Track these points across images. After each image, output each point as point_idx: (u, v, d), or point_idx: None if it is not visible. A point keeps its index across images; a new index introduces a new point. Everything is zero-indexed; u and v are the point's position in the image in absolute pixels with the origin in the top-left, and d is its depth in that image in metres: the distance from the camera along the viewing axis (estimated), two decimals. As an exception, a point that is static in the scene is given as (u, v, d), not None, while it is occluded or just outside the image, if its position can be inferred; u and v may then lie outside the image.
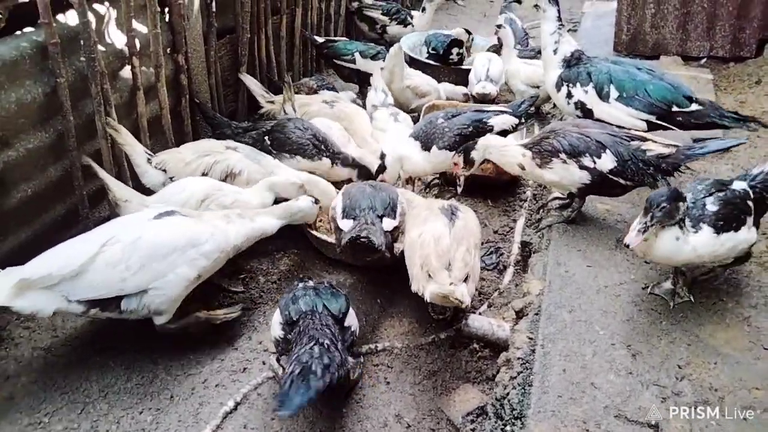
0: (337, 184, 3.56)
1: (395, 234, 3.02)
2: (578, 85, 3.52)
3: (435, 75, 5.10)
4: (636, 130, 3.20)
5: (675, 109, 3.25)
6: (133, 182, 3.33)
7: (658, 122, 3.31)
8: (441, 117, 3.67)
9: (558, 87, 3.62)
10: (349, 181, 3.73)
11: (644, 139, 2.96)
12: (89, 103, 3.06)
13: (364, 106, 4.46)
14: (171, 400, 2.52)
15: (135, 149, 3.21)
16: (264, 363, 2.73)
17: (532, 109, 4.93)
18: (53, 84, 2.85)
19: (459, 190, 3.43)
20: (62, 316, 2.83)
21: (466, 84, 4.99)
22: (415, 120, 4.30)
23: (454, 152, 3.51)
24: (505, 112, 3.76)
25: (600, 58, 3.63)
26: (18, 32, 2.88)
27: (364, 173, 3.71)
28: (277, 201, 3.17)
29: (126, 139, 3.17)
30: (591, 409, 2.08)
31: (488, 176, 4.07)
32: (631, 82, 3.37)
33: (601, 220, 3.23)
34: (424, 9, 6.28)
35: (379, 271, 3.34)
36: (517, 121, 3.74)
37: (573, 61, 3.61)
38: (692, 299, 2.59)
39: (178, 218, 2.57)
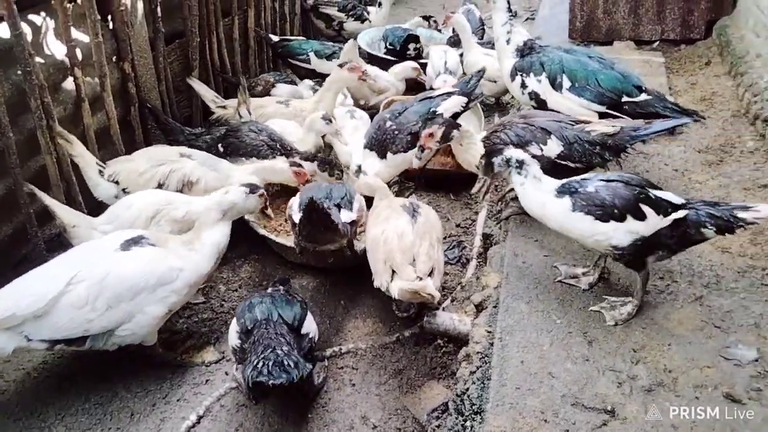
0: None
1: (354, 228, 3.00)
2: (532, 74, 3.54)
3: (393, 70, 5.07)
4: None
5: (624, 99, 3.31)
6: (83, 197, 3.24)
7: (608, 111, 3.35)
8: (388, 118, 3.64)
9: (512, 76, 3.64)
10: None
11: (588, 122, 3.02)
12: (30, 117, 2.97)
13: None
14: (131, 418, 2.48)
15: (87, 161, 3.11)
16: (227, 374, 2.70)
17: (492, 99, 4.98)
18: (-12, 100, 2.76)
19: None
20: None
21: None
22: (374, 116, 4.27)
23: (412, 150, 3.51)
24: (453, 93, 3.72)
25: (552, 47, 3.65)
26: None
27: (325, 162, 3.67)
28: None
29: (78, 150, 3.08)
30: (548, 398, 2.10)
31: (449, 170, 4.08)
32: (582, 72, 3.40)
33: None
34: (380, 4, 6.24)
35: (341, 273, 3.33)
36: (466, 99, 3.71)
37: (526, 50, 3.62)
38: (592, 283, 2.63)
39: (146, 250, 2.43)
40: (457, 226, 3.85)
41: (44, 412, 2.45)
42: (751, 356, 2.24)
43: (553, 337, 2.37)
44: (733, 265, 2.70)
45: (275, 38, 5.21)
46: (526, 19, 7.64)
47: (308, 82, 4.71)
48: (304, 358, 2.36)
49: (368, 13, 6.11)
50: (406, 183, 4.11)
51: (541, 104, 3.54)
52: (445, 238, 3.73)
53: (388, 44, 5.65)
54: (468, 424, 2.14)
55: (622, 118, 3.31)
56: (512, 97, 4.90)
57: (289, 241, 3.22)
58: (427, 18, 5.77)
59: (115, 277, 2.33)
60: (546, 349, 2.31)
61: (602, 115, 3.37)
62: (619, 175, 2.46)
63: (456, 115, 3.71)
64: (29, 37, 2.96)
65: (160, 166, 3.17)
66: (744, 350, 2.26)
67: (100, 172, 3.13)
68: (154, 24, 3.91)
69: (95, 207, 3.24)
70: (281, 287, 2.74)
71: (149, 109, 3.83)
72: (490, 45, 5.01)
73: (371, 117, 4.24)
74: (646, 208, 2.33)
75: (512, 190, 3.55)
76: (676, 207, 2.36)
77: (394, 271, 2.67)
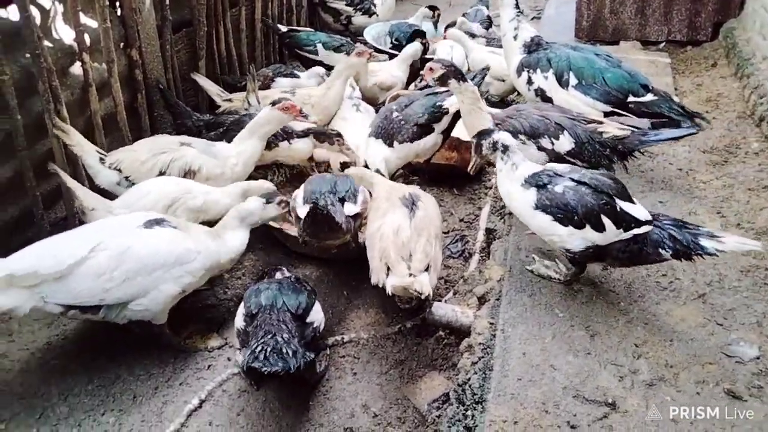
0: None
1: (358, 221, 3.00)
2: (539, 71, 3.54)
3: (399, 65, 5.08)
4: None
5: (631, 98, 3.31)
6: (89, 180, 3.25)
7: (612, 111, 3.37)
8: (395, 109, 3.65)
9: (519, 72, 3.65)
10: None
11: (600, 123, 3.02)
12: (38, 101, 2.97)
13: None
14: (134, 400, 2.49)
15: (85, 150, 3.09)
16: (229, 359, 2.71)
17: (496, 97, 4.99)
18: (-3, 82, 2.76)
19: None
20: (19, 321, 2.76)
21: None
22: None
23: (418, 140, 3.53)
24: None
25: (559, 44, 3.66)
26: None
27: (322, 135, 3.65)
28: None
29: (75, 139, 3.06)
30: (550, 390, 2.11)
31: (453, 165, 4.08)
32: (589, 70, 3.40)
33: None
34: None
35: (344, 264, 3.33)
36: None
37: (533, 46, 3.63)
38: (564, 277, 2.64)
39: (168, 231, 2.48)
40: (461, 220, 3.86)
41: (48, 392, 2.46)
42: (752, 354, 2.25)
43: (555, 330, 2.38)
44: (736, 264, 2.71)
45: (283, 28, 5.21)
46: (533, 18, 7.64)
47: (318, 69, 4.67)
48: (306, 347, 2.37)
49: (375, 6, 6.11)
50: (410, 177, 4.12)
51: (546, 101, 3.54)
52: (448, 232, 3.74)
53: (394, 39, 5.65)
54: (469, 413, 2.15)
55: (628, 116, 3.32)
56: (518, 95, 4.92)
57: (292, 230, 3.22)
58: (433, 8, 5.77)
59: (135, 250, 2.37)
60: (548, 342, 2.32)
61: (607, 114, 3.39)
62: (592, 176, 2.41)
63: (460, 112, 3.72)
64: (38, 21, 2.96)
65: (162, 155, 3.17)
66: (746, 348, 2.27)
67: (101, 159, 3.12)
68: (162, 12, 3.92)
69: (100, 192, 3.24)
70: (277, 274, 2.76)
71: (160, 90, 3.83)
72: (498, 44, 5.04)
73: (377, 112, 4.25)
74: (606, 221, 2.31)
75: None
76: (640, 223, 2.32)
77: (389, 268, 2.67)
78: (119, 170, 3.10)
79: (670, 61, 4.99)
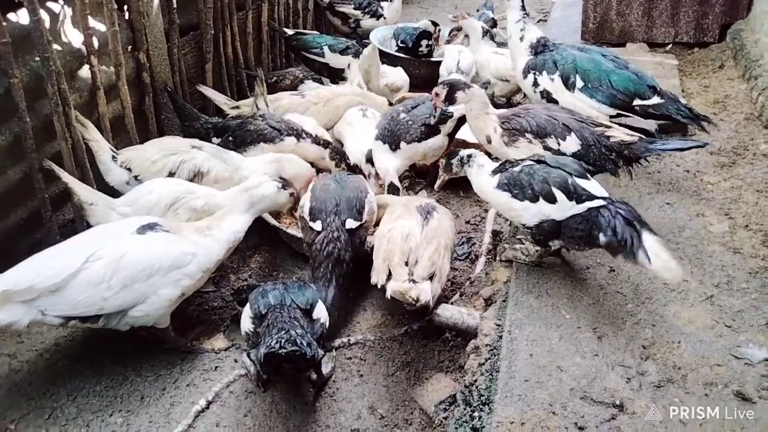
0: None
1: (361, 232, 3.02)
2: (545, 73, 3.53)
3: (405, 67, 5.09)
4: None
5: (636, 102, 3.29)
6: (97, 183, 3.27)
7: (620, 113, 3.36)
8: (401, 111, 3.66)
9: (525, 74, 3.64)
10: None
11: (608, 126, 3.01)
12: (47, 103, 3.00)
13: None
14: (141, 401, 2.50)
15: (101, 146, 3.13)
16: (236, 361, 2.72)
17: (503, 99, 4.98)
18: (7, 85, 2.78)
19: (438, 185, 3.31)
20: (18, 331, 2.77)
21: (437, 76, 4.99)
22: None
23: (425, 140, 3.55)
24: None
25: (566, 45, 3.65)
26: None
27: (337, 152, 3.68)
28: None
29: (93, 134, 3.10)
30: (557, 391, 2.11)
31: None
32: (596, 72, 3.39)
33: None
34: None
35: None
36: None
37: (539, 47, 3.63)
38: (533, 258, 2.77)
39: (161, 235, 2.48)
40: (467, 222, 3.86)
41: (56, 392, 2.48)
42: (761, 356, 2.23)
43: (562, 332, 2.37)
44: (744, 265, 2.69)
45: (290, 32, 5.23)
46: (539, 21, 7.64)
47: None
48: (316, 342, 2.38)
49: (383, 9, 6.12)
50: (416, 179, 4.12)
51: (551, 103, 3.54)
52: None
53: (399, 42, 5.65)
54: (476, 414, 2.14)
55: (632, 116, 3.31)
56: (524, 96, 4.91)
57: (299, 232, 3.23)
58: (435, 24, 5.76)
59: (130, 257, 2.36)
60: (555, 343, 2.32)
61: (613, 117, 3.37)
62: (553, 157, 2.65)
63: (464, 118, 3.72)
64: (47, 24, 2.98)
65: (172, 156, 3.20)
66: (755, 350, 2.26)
67: (114, 157, 3.16)
68: (169, 15, 3.94)
69: (108, 193, 3.26)
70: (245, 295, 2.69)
71: (168, 92, 3.85)
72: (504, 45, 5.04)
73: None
74: (558, 193, 2.49)
75: None
76: (593, 197, 2.46)
77: (390, 271, 2.68)
78: (129, 169, 3.12)
79: (677, 63, 4.97)
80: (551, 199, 2.50)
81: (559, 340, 2.32)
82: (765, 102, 3.92)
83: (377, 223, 3.11)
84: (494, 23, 5.95)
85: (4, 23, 2.69)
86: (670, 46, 5.38)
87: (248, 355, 2.56)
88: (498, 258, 2.85)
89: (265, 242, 3.51)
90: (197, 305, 3.02)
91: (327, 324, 2.60)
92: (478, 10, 6.29)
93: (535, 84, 3.58)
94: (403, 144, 3.57)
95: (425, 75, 5.13)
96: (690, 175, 3.45)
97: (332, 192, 3.06)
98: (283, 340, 2.23)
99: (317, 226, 2.94)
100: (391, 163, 3.58)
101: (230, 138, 3.60)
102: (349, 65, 4.72)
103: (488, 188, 2.72)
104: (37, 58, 2.91)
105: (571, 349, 2.29)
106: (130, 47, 3.64)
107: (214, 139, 3.66)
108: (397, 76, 4.84)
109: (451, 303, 3.08)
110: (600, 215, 2.41)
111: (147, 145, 3.32)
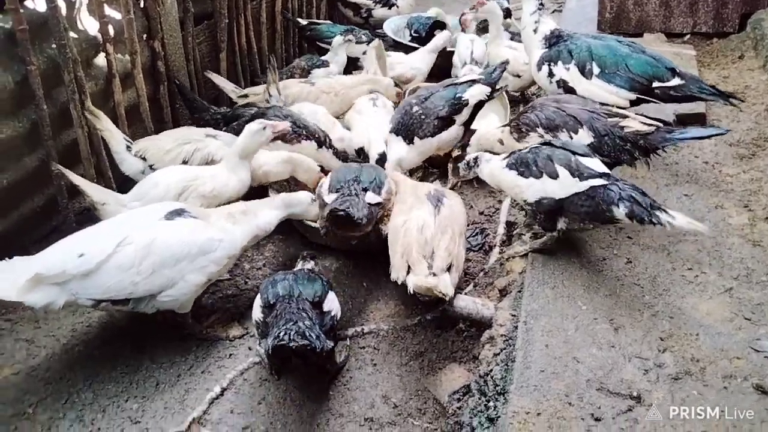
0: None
1: (379, 211, 2.99)
2: (560, 63, 3.49)
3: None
4: (617, 107, 3.20)
5: (656, 84, 3.24)
6: (112, 171, 3.29)
7: (640, 98, 3.30)
8: (414, 103, 3.62)
9: (539, 66, 3.60)
10: None
11: (624, 117, 2.95)
12: (63, 91, 3.01)
13: None
14: (156, 387, 2.51)
15: (114, 136, 3.14)
16: (250, 348, 2.72)
17: (516, 94, 4.93)
18: (24, 72, 2.79)
19: (448, 185, 3.43)
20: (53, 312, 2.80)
21: (450, 66, 4.95)
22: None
23: (439, 134, 3.52)
24: (477, 81, 3.67)
25: (580, 34, 3.60)
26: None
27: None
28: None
29: (105, 125, 3.11)
30: (573, 382, 2.09)
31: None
32: (612, 57, 3.34)
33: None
34: None
35: (364, 255, 3.33)
36: (490, 89, 3.66)
37: (553, 39, 3.58)
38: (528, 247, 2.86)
39: (189, 221, 2.51)
40: (481, 213, 3.83)
41: (73, 378, 2.50)
42: (781, 349, 2.20)
43: (578, 323, 2.35)
44: (764, 258, 2.66)
45: (303, 22, 5.21)
46: (553, 11, 7.54)
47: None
48: (325, 335, 2.38)
49: (396, -1, 6.09)
50: (430, 169, 4.10)
51: (569, 92, 3.49)
52: (468, 225, 3.71)
53: (413, 32, 5.61)
54: (491, 404, 2.13)
55: (654, 102, 3.26)
56: (538, 88, 4.85)
57: (313, 222, 3.23)
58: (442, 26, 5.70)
59: (160, 243, 2.39)
60: (571, 334, 2.30)
61: (633, 102, 3.33)
62: (562, 141, 2.76)
63: (480, 104, 3.69)
64: (64, 12, 2.99)
65: (186, 145, 3.21)
66: (775, 343, 2.23)
67: (128, 147, 3.17)
68: (184, 4, 3.94)
69: (124, 181, 3.29)
70: (310, 261, 2.81)
71: (177, 85, 3.86)
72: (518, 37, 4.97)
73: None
74: (561, 169, 2.55)
75: None
76: (596, 175, 2.50)
77: (410, 267, 2.65)
78: (144, 159, 3.13)
79: (695, 53, 4.88)
80: (554, 176, 2.56)
81: (575, 331, 2.31)
82: (786, 93, 3.85)
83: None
84: (509, 13, 5.88)
85: (21, 10, 2.69)
86: (688, 36, 5.29)
87: (260, 344, 2.58)
88: (505, 259, 2.98)
89: (278, 231, 3.50)
90: (212, 293, 3.03)
91: (338, 315, 2.60)
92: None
93: (551, 75, 3.53)
94: (416, 139, 3.54)
95: (439, 65, 5.08)
96: (708, 166, 3.40)
97: (353, 168, 3.09)
98: (292, 332, 2.24)
99: (332, 198, 2.91)
100: (398, 153, 3.56)
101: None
102: (364, 53, 4.68)
103: (497, 169, 2.82)
104: (54, 46, 2.92)
105: (588, 340, 2.27)
106: (145, 36, 3.65)
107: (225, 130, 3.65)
108: (407, 67, 4.80)
109: (465, 293, 3.06)
110: (608, 190, 2.45)
111: (162, 135, 3.32)
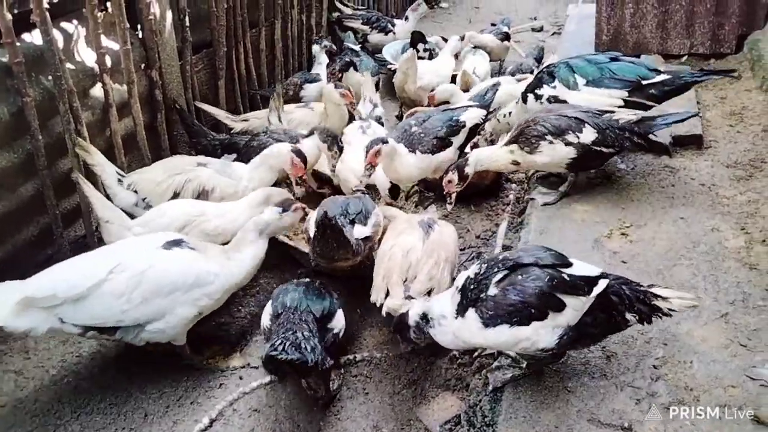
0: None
1: (368, 244, 2.99)
2: (544, 86, 3.65)
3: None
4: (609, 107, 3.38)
5: (645, 82, 3.37)
6: (107, 201, 3.30)
7: (632, 99, 3.39)
8: (413, 124, 3.66)
9: (524, 99, 3.77)
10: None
11: (612, 112, 3.24)
12: (59, 121, 3.05)
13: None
14: (145, 419, 2.48)
15: (106, 170, 3.14)
16: (241, 378, 2.70)
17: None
18: (20, 104, 2.84)
19: (449, 207, 3.51)
20: (35, 338, 2.80)
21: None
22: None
23: (438, 153, 3.54)
24: (472, 105, 3.79)
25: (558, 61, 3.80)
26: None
27: (325, 134, 3.63)
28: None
29: (96, 159, 3.11)
30: (563, 413, 2.05)
31: (471, 181, 4.04)
32: (592, 67, 3.52)
33: (580, 221, 3.21)
34: (407, 18, 6.33)
35: (358, 282, 3.31)
36: (485, 112, 3.79)
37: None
38: None
39: (186, 252, 2.50)
40: (477, 237, 3.81)
41: (60, 410, 2.48)
42: (778, 377, 2.15)
43: (569, 352, 2.31)
44: (761, 282, 2.61)
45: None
46: (553, 34, 7.62)
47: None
48: (326, 351, 2.37)
49: (393, 25, 6.18)
50: (425, 193, 4.10)
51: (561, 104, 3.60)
52: (464, 249, 3.69)
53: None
54: (480, 436, 2.09)
55: (651, 105, 3.38)
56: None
57: (307, 247, 3.22)
58: (420, 33, 5.74)
59: (155, 271, 2.37)
60: (562, 363, 2.26)
61: (627, 103, 3.42)
62: (519, 255, 2.12)
63: (476, 126, 3.73)
64: (60, 44, 3.04)
65: (177, 176, 3.20)
66: (771, 370, 2.17)
67: (119, 181, 3.17)
68: (182, 33, 4.00)
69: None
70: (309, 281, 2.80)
71: (177, 110, 3.90)
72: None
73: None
74: (563, 296, 1.99)
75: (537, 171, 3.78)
76: (593, 281, 2.03)
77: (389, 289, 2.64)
78: (136, 192, 3.14)
79: (692, 75, 4.89)
80: (561, 306, 1.99)
81: (566, 360, 2.26)
82: (783, 113, 3.83)
83: (380, 240, 3.09)
84: (507, 37, 5.94)
85: (18, 44, 2.74)
86: (686, 57, 5.30)
87: None
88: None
89: (272, 258, 3.50)
90: (215, 323, 3.01)
91: (341, 334, 2.58)
92: (494, 24, 6.31)
93: (538, 98, 3.64)
94: (417, 152, 3.55)
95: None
96: (705, 188, 3.37)
97: (339, 202, 3.08)
98: (287, 343, 2.26)
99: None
100: (406, 159, 3.54)
101: (239, 158, 3.61)
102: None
103: (469, 329, 2.06)
104: (50, 77, 2.96)
105: (579, 369, 2.23)
106: (143, 65, 3.70)
107: (225, 155, 3.68)
108: (433, 75, 5.00)
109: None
110: (611, 295, 2.05)
111: (153, 167, 3.33)
